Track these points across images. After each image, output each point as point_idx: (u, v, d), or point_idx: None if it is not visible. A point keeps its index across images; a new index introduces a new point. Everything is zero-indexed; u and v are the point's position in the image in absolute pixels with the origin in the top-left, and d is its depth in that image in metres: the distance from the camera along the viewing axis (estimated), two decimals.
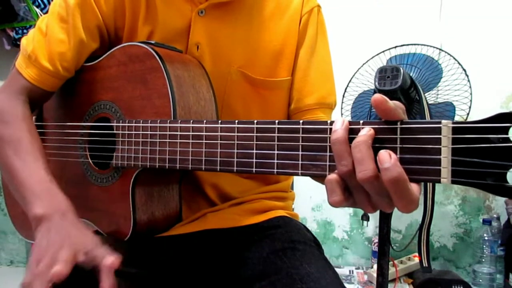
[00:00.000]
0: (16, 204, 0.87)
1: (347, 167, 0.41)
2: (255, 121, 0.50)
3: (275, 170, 0.48)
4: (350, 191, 0.43)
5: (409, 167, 0.40)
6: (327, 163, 0.45)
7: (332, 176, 0.42)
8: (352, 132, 0.43)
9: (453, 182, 0.38)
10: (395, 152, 0.40)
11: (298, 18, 0.76)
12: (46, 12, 1.84)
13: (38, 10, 1.84)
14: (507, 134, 0.36)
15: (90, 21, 0.69)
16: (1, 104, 0.69)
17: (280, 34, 0.75)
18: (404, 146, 0.41)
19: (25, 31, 1.87)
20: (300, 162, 0.47)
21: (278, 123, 0.48)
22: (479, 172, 0.37)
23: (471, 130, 0.38)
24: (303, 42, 0.76)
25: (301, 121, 0.47)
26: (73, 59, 0.70)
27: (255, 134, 0.50)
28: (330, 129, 0.44)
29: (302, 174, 0.47)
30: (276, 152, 0.48)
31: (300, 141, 0.47)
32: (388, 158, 0.39)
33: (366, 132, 0.41)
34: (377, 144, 0.42)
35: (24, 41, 0.71)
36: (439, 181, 0.39)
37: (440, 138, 0.39)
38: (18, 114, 0.68)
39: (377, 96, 0.40)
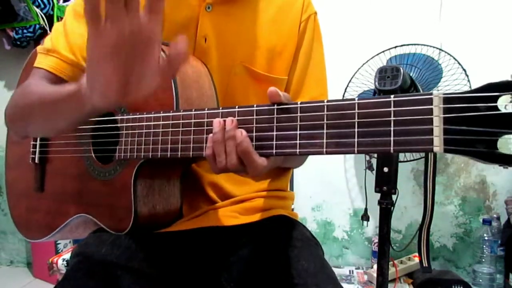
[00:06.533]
0: (18, 204, 0.88)
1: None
2: (255, 105, 0.52)
3: (274, 151, 0.50)
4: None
5: (403, 139, 0.42)
6: (324, 141, 0.47)
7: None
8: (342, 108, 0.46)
9: (445, 150, 0.40)
10: (389, 125, 0.43)
11: (298, 24, 0.79)
12: (46, 13, 1.85)
13: (38, 10, 1.84)
14: (495, 102, 0.38)
15: None
16: (23, 83, 0.71)
17: (280, 35, 0.77)
18: (397, 118, 0.42)
19: (25, 31, 1.87)
20: (298, 141, 0.49)
21: (277, 104, 0.50)
22: (470, 140, 0.39)
23: (461, 99, 0.39)
24: (301, 48, 0.79)
25: (299, 102, 0.49)
26: None
27: (254, 117, 0.52)
28: (327, 106, 0.47)
29: (300, 153, 0.49)
30: (275, 133, 0.50)
31: (298, 121, 0.49)
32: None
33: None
34: (371, 119, 0.44)
35: (40, 46, 0.73)
36: (431, 150, 0.40)
37: (431, 108, 0.40)
38: (38, 82, 0.69)
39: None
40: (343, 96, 1.59)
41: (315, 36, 0.81)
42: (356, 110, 0.45)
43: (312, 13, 0.81)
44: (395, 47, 1.52)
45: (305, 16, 0.79)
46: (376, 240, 1.77)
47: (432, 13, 1.81)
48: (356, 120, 0.45)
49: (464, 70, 1.41)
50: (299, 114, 0.49)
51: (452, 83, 1.41)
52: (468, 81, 1.39)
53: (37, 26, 1.87)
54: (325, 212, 1.98)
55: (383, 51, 1.54)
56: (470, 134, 0.38)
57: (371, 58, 1.55)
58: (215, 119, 0.53)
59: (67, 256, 1.55)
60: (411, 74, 1.38)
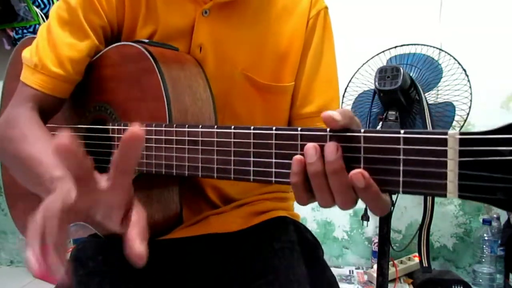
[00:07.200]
0: (16, 205, 0.88)
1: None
2: (252, 127, 0.47)
3: (273, 179, 0.46)
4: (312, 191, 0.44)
5: (413, 180, 0.38)
6: None
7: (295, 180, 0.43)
8: (350, 140, 0.41)
9: (460, 196, 0.36)
10: (398, 165, 0.38)
11: (305, 21, 0.73)
12: (46, 13, 1.85)
13: (38, 10, 1.84)
14: None
15: (94, 21, 0.67)
16: (8, 114, 0.67)
17: (286, 37, 0.72)
18: (407, 158, 0.38)
19: (25, 31, 1.87)
20: None
21: (276, 129, 0.46)
22: (488, 187, 0.34)
23: (479, 141, 0.35)
24: (310, 48, 0.74)
25: (299, 128, 0.44)
26: (84, 61, 0.67)
27: (252, 141, 0.47)
28: (329, 136, 0.42)
29: None
30: (273, 160, 0.46)
31: (298, 149, 0.44)
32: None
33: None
34: (378, 155, 0.40)
35: (26, 54, 0.67)
36: (445, 196, 0.36)
37: (446, 150, 0.36)
38: (26, 116, 0.64)
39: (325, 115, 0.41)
40: (343, 96, 1.59)
41: (326, 34, 0.75)
42: (362, 144, 0.40)
43: (321, 8, 0.74)
44: (395, 47, 1.52)
45: (314, 12, 0.73)
46: (376, 240, 1.77)
47: (432, 13, 1.81)
48: (362, 155, 0.40)
49: (464, 70, 1.40)
50: (299, 142, 0.44)
51: (452, 83, 1.41)
52: (468, 81, 1.39)
53: (37, 26, 1.87)
54: (325, 212, 1.98)
55: (383, 51, 1.53)
56: (489, 181, 0.34)
57: (371, 58, 1.55)
58: (309, 144, 0.42)
59: (66, 256, 1.54)
60: (411, 74, 1.38)
